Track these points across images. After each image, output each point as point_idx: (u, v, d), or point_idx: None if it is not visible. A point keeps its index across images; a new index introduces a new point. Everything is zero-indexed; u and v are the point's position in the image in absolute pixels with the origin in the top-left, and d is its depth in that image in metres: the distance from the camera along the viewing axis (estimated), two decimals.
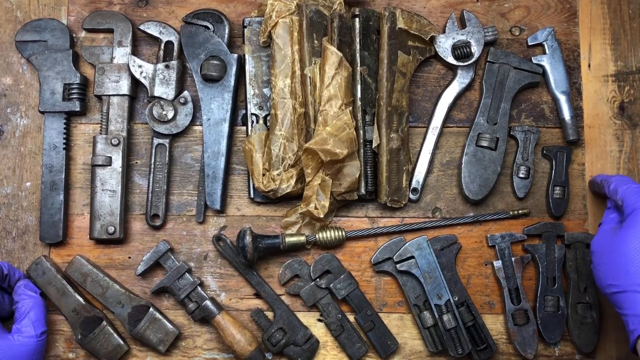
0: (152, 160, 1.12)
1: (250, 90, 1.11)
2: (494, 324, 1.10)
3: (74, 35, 1.16)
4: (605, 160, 1.13)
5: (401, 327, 1.10)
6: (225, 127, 1.10)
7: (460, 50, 1.12)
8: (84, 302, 1.07)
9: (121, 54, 1.12)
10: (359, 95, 1.07)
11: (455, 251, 1.10)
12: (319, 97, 1.05)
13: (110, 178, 1.09)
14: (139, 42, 1.16)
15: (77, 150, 1.14)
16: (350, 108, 1.06)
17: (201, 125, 1.12)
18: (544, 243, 1.10)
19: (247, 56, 1.11)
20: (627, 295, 0.90)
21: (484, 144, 1.10)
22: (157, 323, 1.06)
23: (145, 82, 1.11)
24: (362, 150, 1.07)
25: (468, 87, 1.14)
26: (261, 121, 1.11)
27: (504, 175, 1.13)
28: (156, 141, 1.12)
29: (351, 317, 1.09)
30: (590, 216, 1.12)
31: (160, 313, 1.07)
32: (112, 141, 1.10)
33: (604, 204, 1.11)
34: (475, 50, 1.12)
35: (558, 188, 1.11)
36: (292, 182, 1.06)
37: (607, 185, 1.03)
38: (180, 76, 1.12)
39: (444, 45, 1.13)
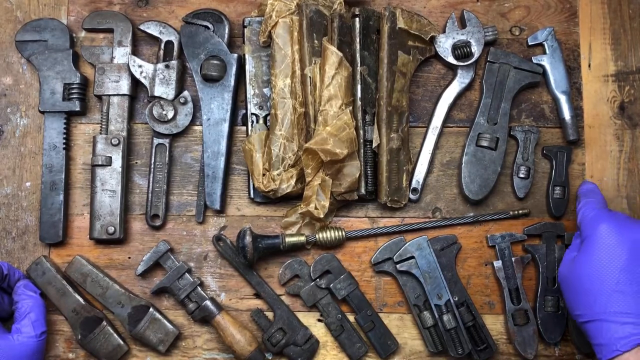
0: (152, 160, 1.12)
1: (250, 90, 1.11)
2: (494, 324, 1.10)
3: (74, 35, 1.16)
4: (605, 160, 1.13)
5: (401, 327, 1.10)
6: (225, 127, 1.10)
7: (461, 50, 1.12)
8: (84, 302, 1.07)
9: (121, 54, 1.12)
10: (359, 95, 1.07)
11: (455, 251, 1.10)
12: (319, 97, 1.05)
13: (110, 178, 1.09)
14: (139, 42, 1.16)
15: (77, 150, 1.14)
16: (351, 108, 1.06)
17: (201, 125, 1.12)
18: (544, 243, 1.10)
19: (247, 56, 1.11)
20: (591, 325, 0.91)
21: (484, 144, 1.10)
22: (157, 323, 1.06)
23: (145, 82, 1.11)
24: (362, 150, 1.07)
25: (468, 87, 1.14)
26: (261, 121, 1.11)
27: (504, 175, 1.13)
28: (156, 141, 1.12)
29: (351, 317, 1.09)
30: None
31: (160, 313, 1.07)
32: (112, 141, 1.10)
33: None
34: (476, 50, 1.12)
35: (558, 188, 1.11)
36: (292, 182, 1.06)
37: (577, 201, 1.03)
38: (180, 76, 1.12)
39: (444, 45, 1.13)
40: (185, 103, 1.11)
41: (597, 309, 0.90)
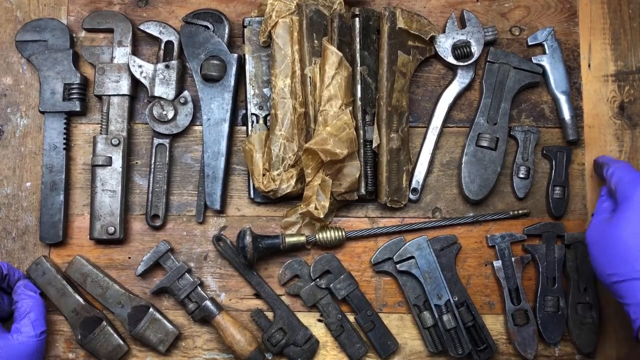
0: (152, 160, 1.12)
1: (250, 90, 1.11)
2: (494, 324, 1.10)
3: (74, 35, 1.16)
4: None
5: (401, 327, 1.10)
6: (225, 127, 1.10)
7: (460, 50, 1.12)
8: (84, 303, 1.07)
9: (121, 54, 1.12)
10: (359, 95, 1.07)
11: (455, 251, 1.10)
12: (319, 97, 1.05)
13: (110, 178, 1.09)
14: (139, 42, 1.16)
15: (77, 150, 1.14)
16: (350, 108, 1.06)
17: (201, 125, 1.12)
18: (544, 243, 1.10)
19: (247, 56, 1.11)
20: (627, 284, 0.90)
21: (484, 144, 1.10)
22: (157, 323, 1.06)
23: (146, 82, 1.11)
24: (362, 150, 1.07)
25: (468, 87, 1.14)
26: (261, 121, 1.11)
27: (504, 175, 1.13)
28: (156, 141, 1.12)
29: (351, 317, 1.09)
30: (590, 215, 1.12)
31: (160, 313, 1.07)
32: (112, 141, 1.10)
33: None
34: (475, 50, 1.12)
35: (558, 188, 1.11)
36: (292, 182, 1.06)
37: (606, 168, 1.02)
38: (180, 76, 1.12)
39: (444, 45, 1.13)
40: (185, 103, 1.11)
41: (638, 267, 0.89)
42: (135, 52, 1.14)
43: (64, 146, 1.11)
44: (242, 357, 1.05)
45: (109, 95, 1.12)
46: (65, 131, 1.11)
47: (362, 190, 1.08)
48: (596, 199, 1.12)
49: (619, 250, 0.91)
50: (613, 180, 0.98)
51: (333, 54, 1.04)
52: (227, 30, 1.12)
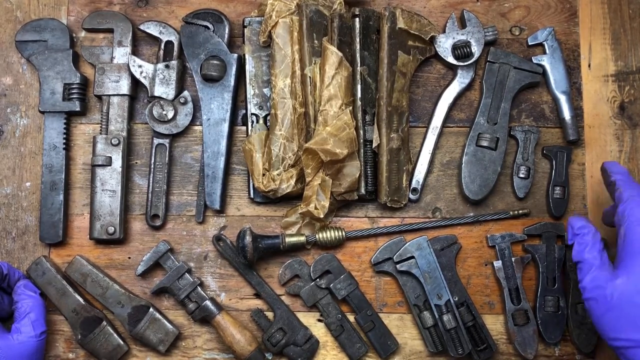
0: (152, 160, 1.12)
1: (250, 90, 1.11)
2: (494, 324, 1.10)
3: (74, 35, 1.16)
4: (606, 160, 1.13)
5: (401, 327, 1.10)
6: (225, 127, 1.10)
7: (461, 50, 1.12)
8: (83, 303, 1.07)
9: (121, 54, 1.12)
10: (359, 95, 1.07)
11: (455, 251, 1.10)
12: (319, 97, 1.05)
13: (110, 178, 1.09)
14: (139, 42, 1.16)
15: (77, 150, 1.14)
16: (351, 108, 1.06)
17: (201, 125, 1.12)
18: (544, 243, 1.10)
19: (247, 56, 1.11)
20: (637, 351, 0.82)
21: (484, 143, 1.10)
22: (157, 323, 1.06)
23: (145, 82, 1.11)
24: (362, 150, 1.07)
25: (468, 87, 1.14)
26: (261, 121, 1.11)
27: (504, 175, 1.13)
28: (156, 141, 1.12)
29: (351, 317, 1.09)
30: (590, 216, 1.12)
31: (160, 313, 1.07)
32: (112, 141, 1.10)
33: (604, 204, 1.11)
34: (476, 50, 1.12)
35: (558, 188, 1.11)
36: (292, 182, 1.06)
37: (618, 193, 0.93)
38: (180, 76, 1.12)
39: (444, 45, 1.13)
40: (185, 103, 1.11)
41: None
42: (135, 52, 1.14)
43: (64, 146, 1.11)
44: (242, 357, 1.05)
45: (109, 95, 1.12)
46: (65, 131, 1.11)
47: (362, 190, 1.08)
48: (596, 199, 1.12)
49: (628, 313, 0.82)
50: (627, 221, 0.88)
51: (333, 54, 1.04)
52: (227, 30, 1.12)
